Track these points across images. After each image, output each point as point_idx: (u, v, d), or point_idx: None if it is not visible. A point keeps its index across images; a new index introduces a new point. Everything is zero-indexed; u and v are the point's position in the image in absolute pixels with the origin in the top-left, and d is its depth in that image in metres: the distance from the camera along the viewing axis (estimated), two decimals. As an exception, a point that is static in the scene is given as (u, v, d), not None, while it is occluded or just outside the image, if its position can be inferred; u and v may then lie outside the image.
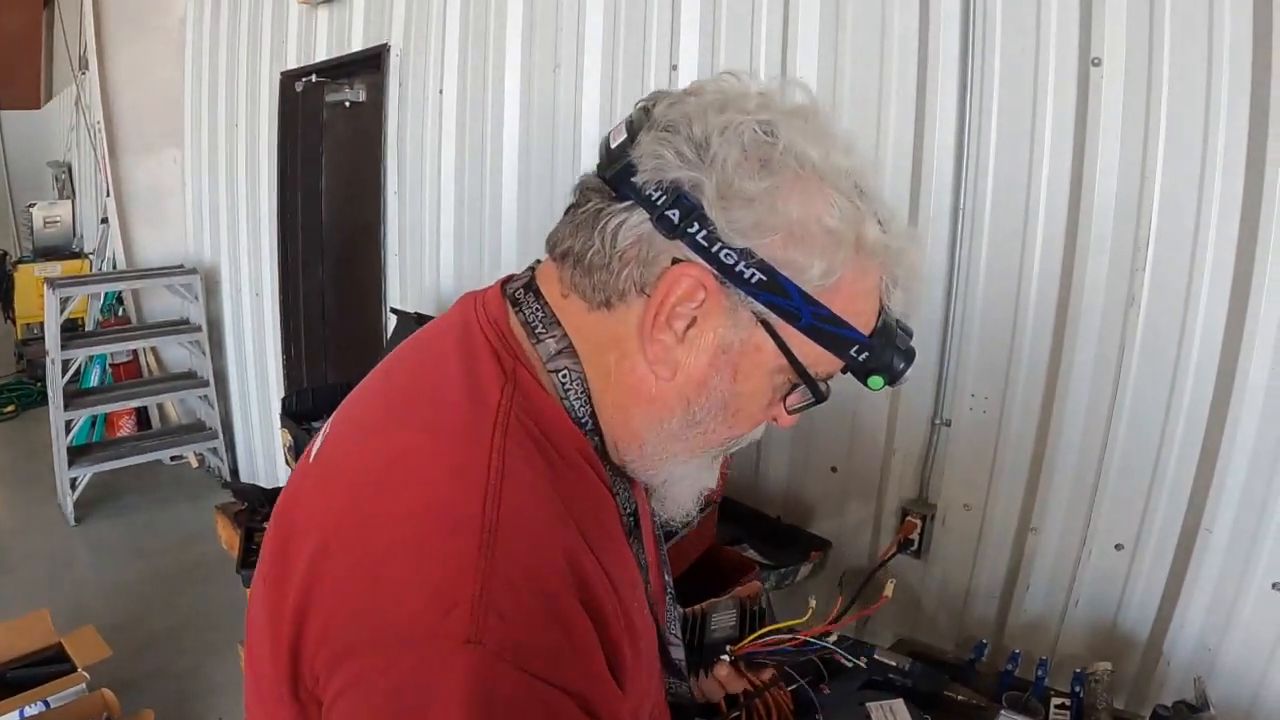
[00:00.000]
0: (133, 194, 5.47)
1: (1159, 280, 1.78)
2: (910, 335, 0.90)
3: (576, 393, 0.87)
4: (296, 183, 4.38)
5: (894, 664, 1.68)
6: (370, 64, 3.74)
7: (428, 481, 0.78)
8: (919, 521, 2.04)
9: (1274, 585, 1.80)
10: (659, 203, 0.79)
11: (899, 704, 1.59)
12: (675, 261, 0.80)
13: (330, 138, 4.32)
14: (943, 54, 1.95)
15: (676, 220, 0.79)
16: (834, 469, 2.13)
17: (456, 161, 3.32)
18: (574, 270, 0.85)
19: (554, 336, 0.87)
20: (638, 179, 0.81)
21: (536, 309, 0.89)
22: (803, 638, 1.28)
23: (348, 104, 4.09)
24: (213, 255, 5.25)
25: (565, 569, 0.75)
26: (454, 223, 3.40)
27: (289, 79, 4.21)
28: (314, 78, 4.07)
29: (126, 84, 5.34)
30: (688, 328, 0.82)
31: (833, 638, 1.32)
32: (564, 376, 0.87)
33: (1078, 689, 1.82)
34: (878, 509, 2.11)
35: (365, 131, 3.89)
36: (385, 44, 3.57)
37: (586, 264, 0.84)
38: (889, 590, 1.48)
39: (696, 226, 0.79)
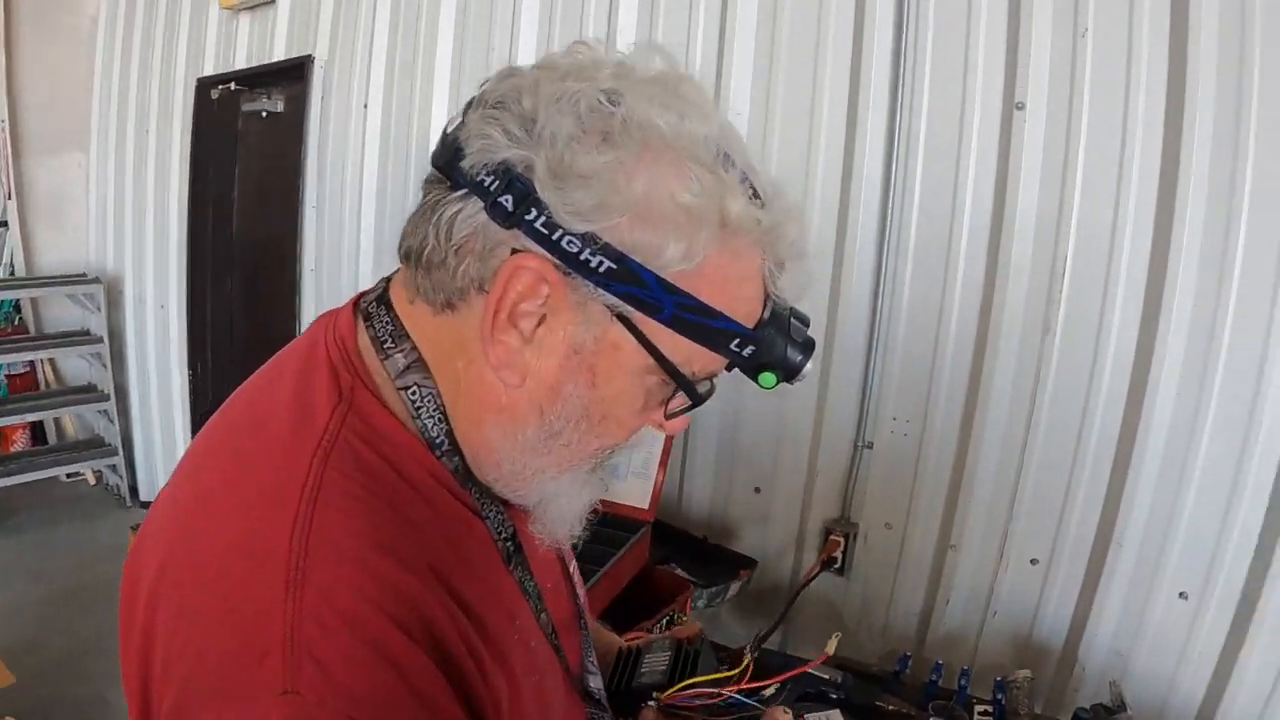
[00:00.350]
0: (34, 198, 5.26)
1: (1073, 310, 1.92)
2: (806, 324, 0.81)
3: (429, 410, 0.77)
4: (208, 193, 4.28)
5: (827, 677, 1.73)
6: (292, 75, 3.68)
7: (236, 513, 0.71)
8: (842, 540, 2.11)
9: (1180, 594, 1.93)
10: (491, 188, 0.70)
11: (835, 714, 1.64)
12: (514, 253, 0.71)
13: (245, 148, 4.23)
14: (873, 91, 2.04)
15: (511, 207, 0.69)
16: (758, 490, 2.19)
17: (379, 177, 3.30)
18: (416, 271, 0.76)
19: (402, 350, 0.78)
20: (465, 163, 0.71)
21: (386, 322, 0.79)
22: (731, 692, 1.22)
23: (264, 114, 4.02)
24: (116, 264, 5.08)
25: (393, 606, 0.67)
26: (374, 240, 3.37)
27: (205, 86, 4.12)
28: (232, 86, 3.99)
29: (32, 82, 5.14)
30: (536, 326, 0.73)
31: (769, 691, 1.29)
32: (414, 393, 0.77)
33: (1000, 696, 1.91)
34: (801, 528, 2.17)
35: (282, 143, 3.82)
36: (309, 55, 3.52)
37: (425, 262, 0.75)
38: (831, 647, 1.52)
39: (534, 212, 0.69)
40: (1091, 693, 1.97)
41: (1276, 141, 1.75)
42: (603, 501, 2.06)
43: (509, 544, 0.83)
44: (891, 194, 2.03)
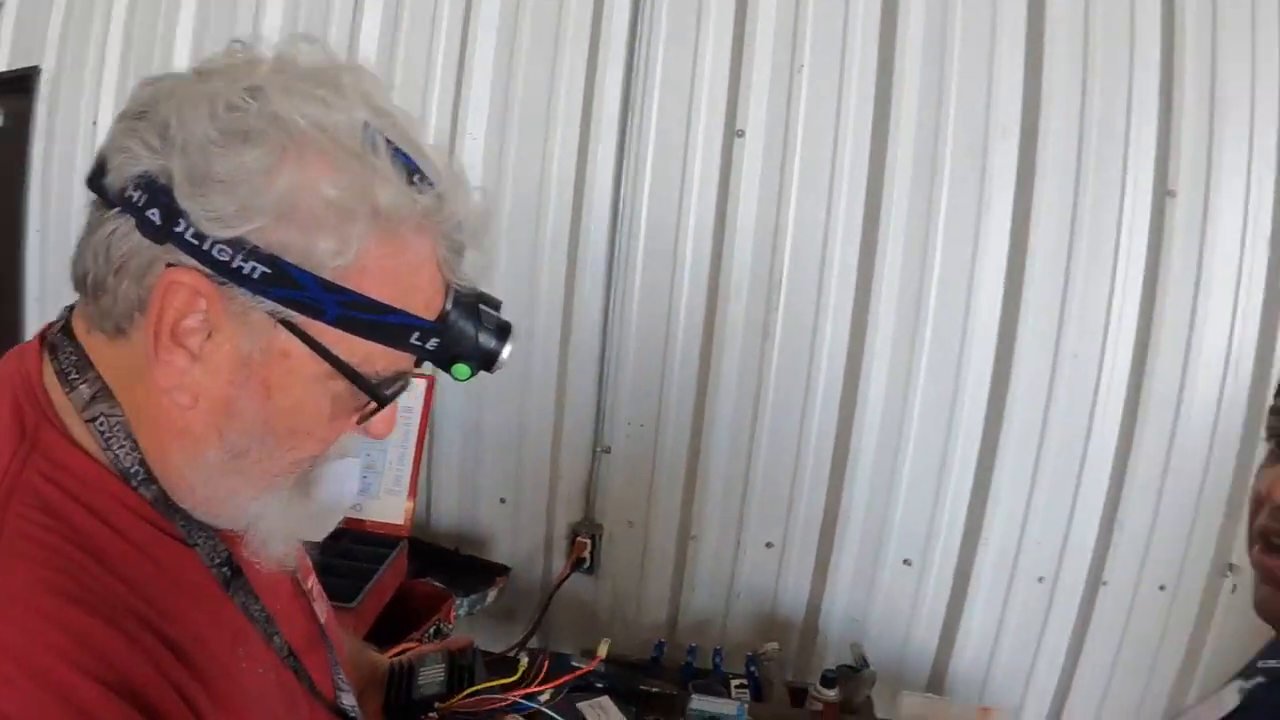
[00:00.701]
0: None
1: (790, 316, 2.14)
2: (497, 308, 0.80)
3: (119, 440, 0.72)
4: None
5: (590, 668, 1.81)
6: (16, 88, 3.43)
7: None
8: (588, 541, 2.21)
9: (905, 561, 2.19)
10: (138, 203, 0.66)
11: (605, 700, 1.70)
12: (169, 268, 0.67)
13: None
14: (605, 115, 2.15)
15: (160, 220, 0.66)
16: (503, 500, 2.26)
17: (108, 199, 3.12)
18: (86, 298, 0.72)
19: (86, 380, 0.73)
20: (109, 179, 0.68)
21: (69, 352, 0.74)
22: (512, 698, 1.30)
23: (-21, 129, 3.71)
24: None
25: (81, 656, 0.62)
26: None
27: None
28: (-57, 97, 3.67)
29: None
30: (205, 342, 0.69)
31: (544, 697, 1.36)
32: (102, 424, 0.72)
33: (752, 669, 2.09)
34: (549, 533, 2.26)
35: (3, 163, 3.55)
36: (35, 66, 3.29)
37: (91, 289, 0.71)
38: (603, 650, 1.61)
39: (181, 224, 0.65)
40: (835, 657, 2.19)
41: (968, 166, 2.06)
42: (357, 520, 2.06)
43: (225, 570, 0.78)
44: (621, 211, 2.14)
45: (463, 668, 1.24)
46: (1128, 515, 2.18)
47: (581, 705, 1.69)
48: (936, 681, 2.27)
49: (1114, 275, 2.11)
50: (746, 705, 1.92)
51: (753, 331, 2.12)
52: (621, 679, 1.84)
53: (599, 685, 1.77)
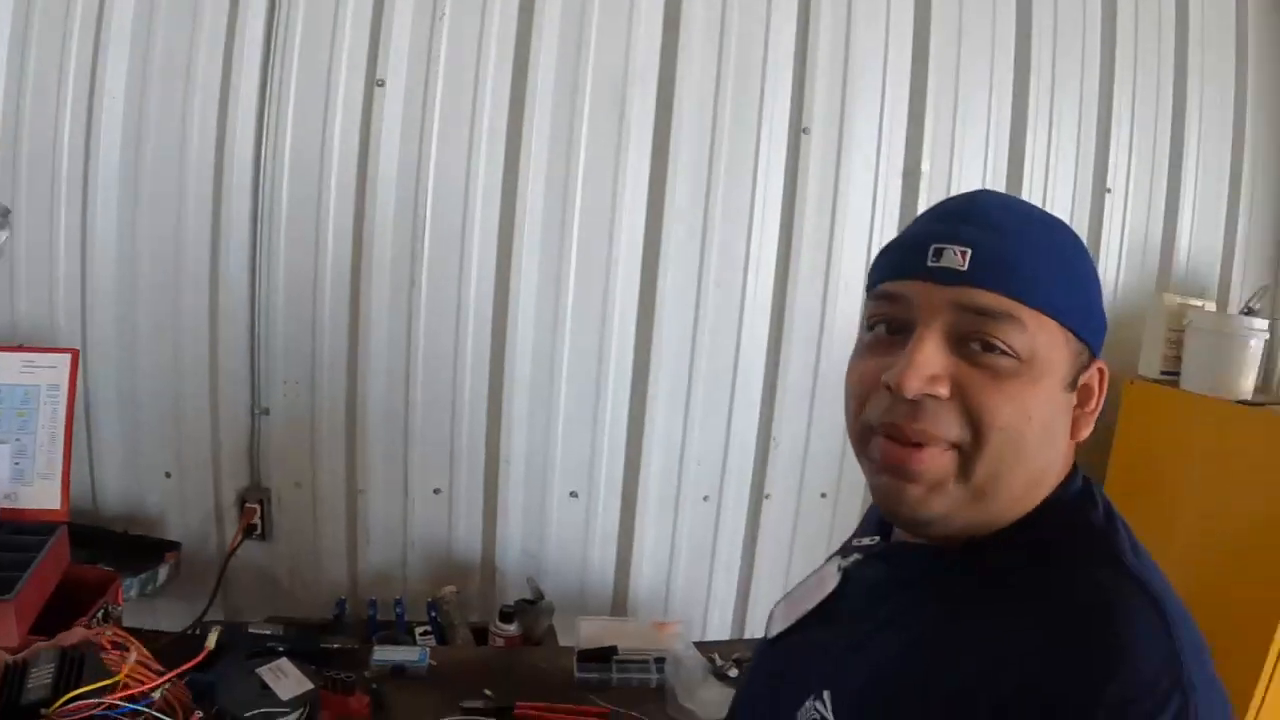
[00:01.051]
0: None
1: (436, 265, 2.15)
2: None
3: None
4: None
5: (269, 633, 1.82)
6: None
7: None
8: (257, 507, 2.15)
9: (571, 494, 2.26)
10: None
11: (284, 662, 1.66)
12: None
13: None
14: (245, 67, 2.04)
15: None
16: (168, 474, 2.16)
17: None
18: None
19: None
20: None
21: None
22: (116, 700, 1.21)
23: None
24: None
25: None
26: None
27: None
28: None
29: None
30: None
31: (157, 694, 1.27)
32: None
33: (433, 614, 2.14)
34: (218, 503, 2.17)
35: None
36: None
37: None
38: (211, 641, 1.60)
39: None
40: (517, 593, 2.25)
41: (606, 111, 2.14)
42: (15, 510, 1.92)
43: None
44: (263, 166, 2.06)
45: (74, 664, 1.19)
46: (782, 432, 2.34)
47: (260, 670, 1.65)
48: (619, 605, 2.37)
49: (753, 208, 2.25)
50: (429, 650, 1.96)
51: (400, 282, 2.11)
52: (301, 641, 1.83)
53: (279, 649, 1.74)
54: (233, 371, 2.10)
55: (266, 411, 2.13)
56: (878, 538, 0.97)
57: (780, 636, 1.00)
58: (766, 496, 2.38)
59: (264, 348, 2.10)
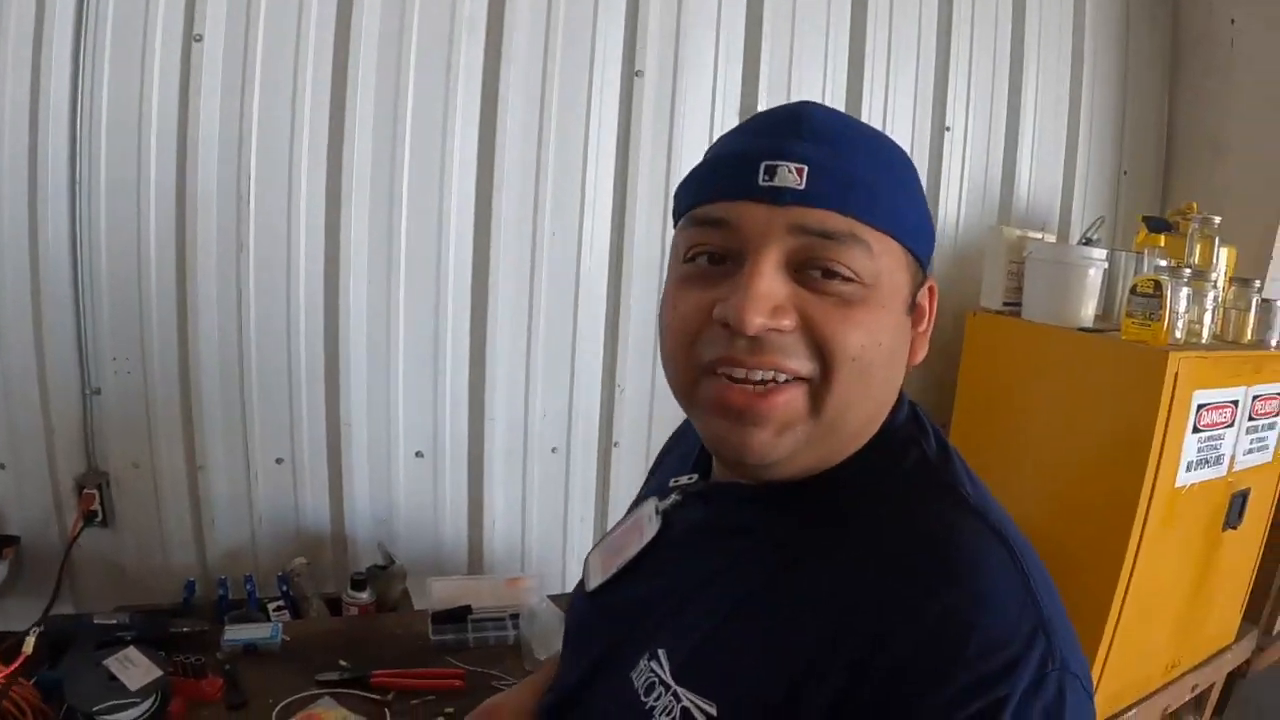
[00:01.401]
0: None
1: (262, 227, 2.07)
2: None
3: None
4: None
5: (115, 622, 1.75)
6: None
7: None
8: (96, 492, 2.07)
9: (417, 454, 2.23)
10: None
11: (131, 650, 1.64)
12: None
13: None
14: (58, 28, 1.94)
15: None
16: (2, 465, 2.08)
17: None
18: None
19: None
20: None
21: None
22: None
23: None
24: None
25: None
26: None
27: None
28: None
29: None
30: None
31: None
32: None
33: (285, 588, 2.09)
34: (55, 491, 2.07)
35: None
36: None
37: None
38: (28, 647, 1.53)
39: None
40: (370, 559, 2.21)
41: (434, 59, 2.10)
42: None
43: None
44: (80, 130, 1.96)
45: None
46: (626, 379, 2.34)
47: (107, 661, 1.62)
48: (475, 564, 2.35)
49: (586, 155, 2.24)
50: (282, 625, 1.93)
51: (226, 247, 2.03)
52: (149, 627, 1.78)
53: (127, 638, 1.71)
54: (59, 353, 2.01)
55: (98, 391, 2.05)
56: (696, 475, 0.92)
57: (601, 589, 0.94)
58: (615, 444, 2.38)
59: (90, 324, 2.02)
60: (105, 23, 1.95)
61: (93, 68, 1.96)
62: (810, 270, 0.71)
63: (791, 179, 0.70)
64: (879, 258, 0.71)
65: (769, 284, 0.69)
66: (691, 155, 2.23)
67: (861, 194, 0.71)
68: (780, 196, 0.70)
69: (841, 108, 2.29)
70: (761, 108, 2.23)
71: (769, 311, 0.69)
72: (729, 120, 2.32)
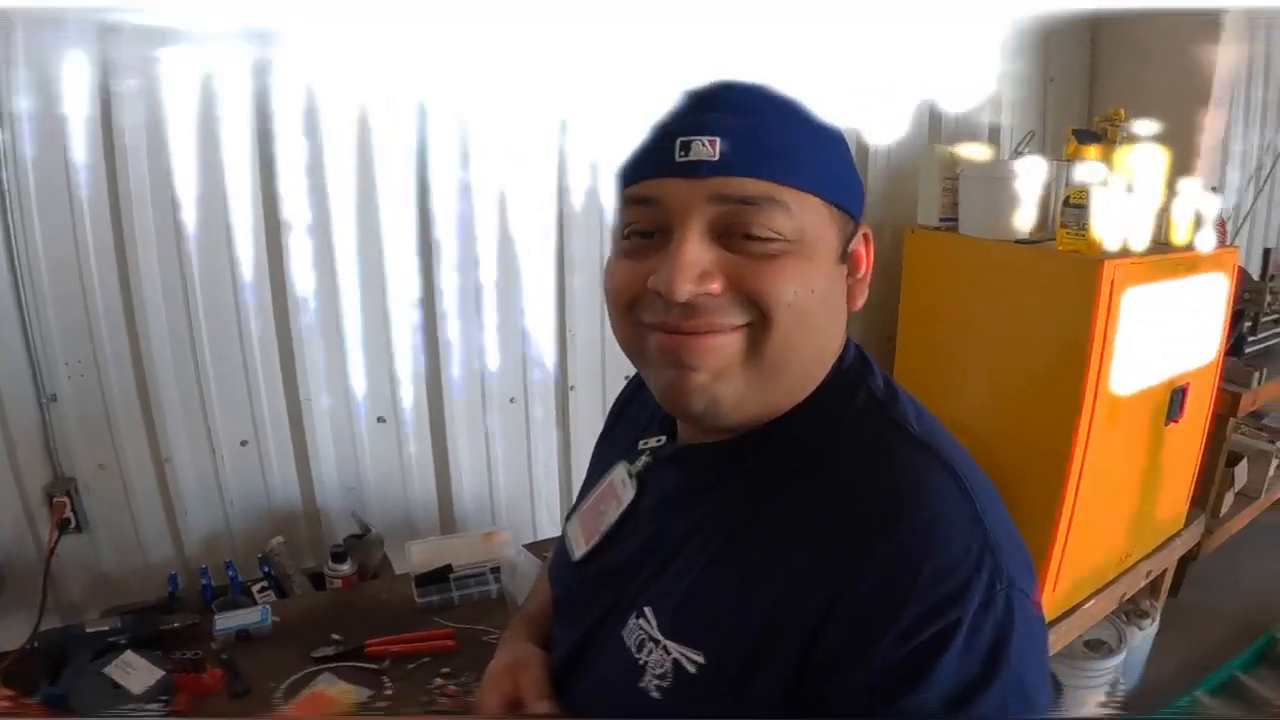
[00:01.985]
0: None
1: (198, 211, 2.02)
2: None
3: None
4: None
5: (106, 628, 1.76)
6: None
7: None
8: (66, 499, 2.06)
9: (379, 419, 2.26)
10: None
11: (129, 654, 1.67)
12: None
13: None
14: None
15: None
16: (-33, 483, 2.08)
17: None
18: None
19: None
20: None
21: None
22: None
23: None
24: None
25: None
26: None
27: None
28: None
29: None
30: None
31: None
32: None
33: (266, 568, 2.12)
34: (26, 505, 2.06)
35: None
36: None
37: None
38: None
39: None
40: (344, 531, 2.23)
41: None
42: None
43: None
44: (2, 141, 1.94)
45: None
46: (576, 323, 2.36)
47: (108, 670, 1.64)
48: (448, 523, 2.40)
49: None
50: (270, 606, 1.95)
51: (165, 237, 2.00)
52: (141, 628, 1.79)
53: (121, 642, 1.73)
54: (11, 362, 2.00)
55: (54, 398, 2.03)
56: (664, 438, 0.96)
57: (587, 559, 0.97)
58: (571, 388, 2.42)
59: (38, 330, 2.00)
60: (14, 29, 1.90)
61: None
62: (734, 235, 0.74)
63: (705, 151, 0.73)
64: (799, 215, 0.75)
65: (694, 252, 0.73)
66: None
67: (776, 156, 0.75)
68: (697, 169, 0.73)
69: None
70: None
71: (696, 278, 0.73)
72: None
